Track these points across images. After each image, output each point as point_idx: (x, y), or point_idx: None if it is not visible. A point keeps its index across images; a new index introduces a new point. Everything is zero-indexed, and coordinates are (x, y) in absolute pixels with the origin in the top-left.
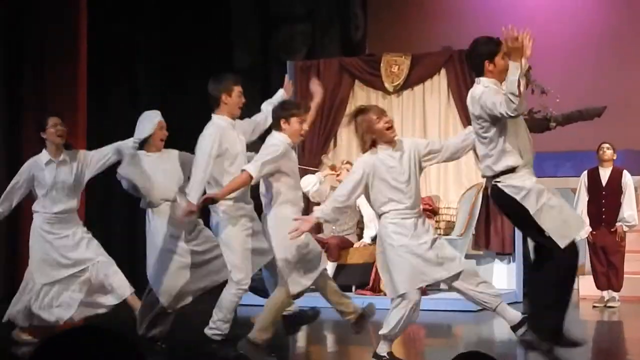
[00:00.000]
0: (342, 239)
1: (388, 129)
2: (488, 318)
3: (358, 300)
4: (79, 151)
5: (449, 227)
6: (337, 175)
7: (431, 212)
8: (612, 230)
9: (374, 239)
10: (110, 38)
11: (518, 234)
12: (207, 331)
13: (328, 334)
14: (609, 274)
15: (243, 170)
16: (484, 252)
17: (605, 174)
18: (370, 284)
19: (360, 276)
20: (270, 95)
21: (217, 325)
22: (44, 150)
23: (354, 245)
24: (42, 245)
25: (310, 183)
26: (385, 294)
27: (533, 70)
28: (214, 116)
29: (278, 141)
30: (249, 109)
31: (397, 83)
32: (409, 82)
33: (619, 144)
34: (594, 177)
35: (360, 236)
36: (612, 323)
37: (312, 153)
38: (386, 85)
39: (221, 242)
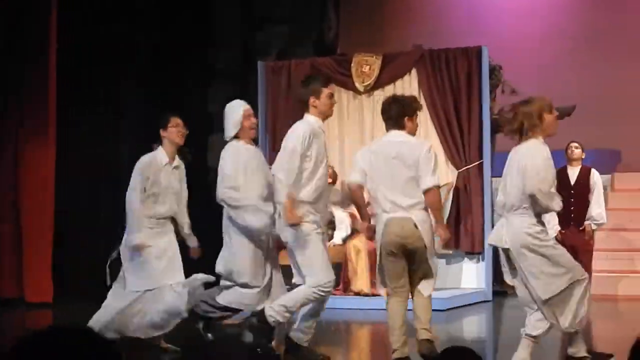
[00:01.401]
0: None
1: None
2: (457, 317)
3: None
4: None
5: None
6: None
7: None
8: (581, 229)
9: (344, 240)
10: (84, 40)
11: (487, 233)
12: (266, 310)
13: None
14: None
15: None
16: (454, 251)
17: (573, 173)
18: (341, 284)
19: None
20: (247, 96)
21: (278, 310)
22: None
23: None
24: None
25: None
26: (355, 294)
27: (504, 70)
28: (305, 115)
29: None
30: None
31: (368, 83)
32: (380, 82)
33: (587, 143)
34: (562, 176)
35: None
36: None
37: None
38: (357, 85)
39: (296, 246)
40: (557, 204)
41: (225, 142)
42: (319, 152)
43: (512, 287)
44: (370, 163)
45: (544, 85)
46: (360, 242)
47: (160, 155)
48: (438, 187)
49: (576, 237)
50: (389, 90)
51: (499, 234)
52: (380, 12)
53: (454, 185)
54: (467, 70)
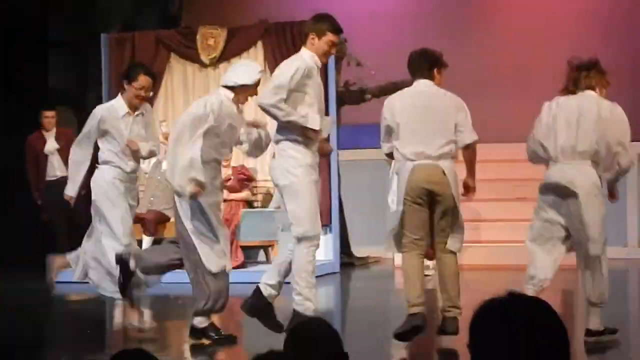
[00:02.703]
0: (159, 214)
1: None
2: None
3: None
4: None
5: (267, 200)
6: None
7: (247, 180)
8: None
9: None
10: None
11: (335, 206)
12: (296, 307)
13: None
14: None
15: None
16: None
17: None
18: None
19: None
20: (86, 68)
21: (304, 295)
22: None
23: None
24: None
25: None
26: None
27: (350, 42)
28: (302, 49)
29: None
30: (64, 81)
31: (214, 56)
32: (226, 55)
33: None
34: None
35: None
36: (427, 291)
37: None
38: (202, 58)
39: (286, 191)
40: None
41: None
42: (314, 88)
43: (360, 259)
44: (396, 111)
45: (388, 60)
46: None
47: (118, 104)
48: (476, 142)
49: None
50: (234, 63)
51: (566, 175)
52: None
53: None
54: None
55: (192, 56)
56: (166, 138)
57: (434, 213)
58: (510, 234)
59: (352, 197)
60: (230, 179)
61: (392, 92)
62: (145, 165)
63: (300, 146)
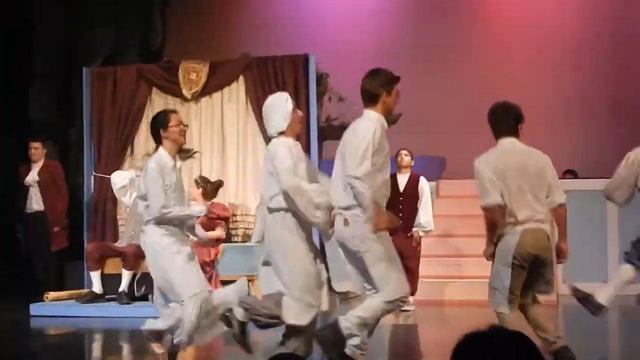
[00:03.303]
0: (138, 248)
1: None
2: None
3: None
4: None
5: (247, 235)
6: None
7: (218, 218)
8: (409, 235)
9: None
10: None
11: (316, 241)
12: (341, 322)
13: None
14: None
15: None
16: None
17: (403, 179)
18: None
19: None
20: (71, 101)
21: (354, 322)
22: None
23: None
24: None
25: (124, 178)
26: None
27: (332, 78)
28: (369, 111)
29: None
30: (47, 114)
31: (195, 90)
32: (208, 89)
33: (416, 150)
34: (392, 183)
35: None
36: (408, 326)
37: (108, 158)
38: (184, 92)
39: (367, 256)
40: None
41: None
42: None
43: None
44: (497, 172)
45: None
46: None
47: (165, 158)
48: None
49: (404, 244)
50: (216, 97)
51: None
52: (207, 20)
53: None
54: (295, 77)
55: (173, 90)
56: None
57: (530, 271)
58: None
59: None
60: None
61: None
62: (127, 199)
63: None
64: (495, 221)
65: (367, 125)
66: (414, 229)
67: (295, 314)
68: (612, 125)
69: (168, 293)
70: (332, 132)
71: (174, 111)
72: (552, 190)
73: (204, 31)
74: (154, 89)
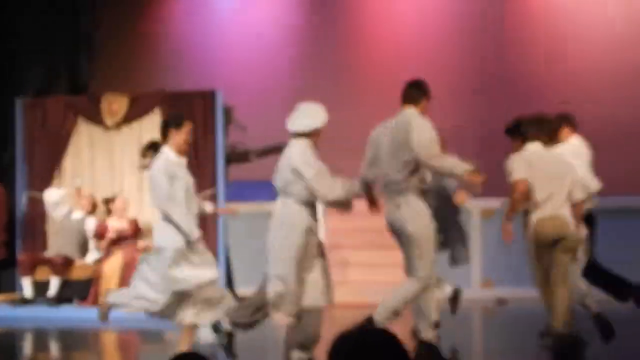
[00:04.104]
0: (66, 257)
1: None
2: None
3: (79, 312)
4: None
5: None
6: (80, 199)
7: (133, 235)
8: None
9: (98, 260)
10: None
11: (221, 249)
12: (376, 316)
13: None
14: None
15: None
16: None
17: None
18: (91, 297)
19: (82, 290)
20: (5, 129)
21: (387, 316)
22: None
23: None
24: None
25: (56, 195)
26: None
27: (236, 110)
28: (414, 111)
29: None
30: None
31: (116, 120)
32: (127, 119)
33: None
34: None
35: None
36: None
37: (39, 179)
38: (106, 121)
39: (414, 237)
40: None
41: None
42: None
43: (243, 298)
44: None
45: (271, 123)
46: (116, 261)
47: (172, 155)
48: None
49: None
50: (135, 126)
51: None
52: (127, 58)
53: None
54: (204, 110)
55: (97, 119)
56: (79, 192)
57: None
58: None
59: (236, 242)
60: (125, 228)
61: (272, 153)
62: (57, 214)
63: (421, 198)
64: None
65: (423, 121)
66: None
67: None
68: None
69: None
70: (236, 157)
71: (189, 120)
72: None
73: (125, 68)
74: (80, 118)
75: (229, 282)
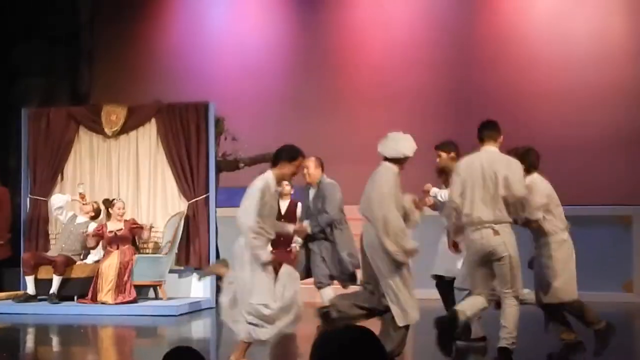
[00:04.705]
0: (67, 257)
1: None
2: (187, 321)
3: (79, 308)
4: None
5: (157, 247)
6: (84, 204)
7: (139, 228)
8: (288, 250)
9: (97, 260)
10: None
11: (212, 252)
12: (502, 343)
13: None
14: None
15: None
16: (185, 267)
17: (284, 205)
18: (90, 294)
19: (82, 287)
20: (8, 136)
21: (509, 337)
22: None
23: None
24: None
25: (61, 200)
26: (103, 302)
27: (227, 121)
28: (493, 147)
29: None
30: None
31: (115, 129)
32: (125, 128)
33: (295, 180)
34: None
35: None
36: None
37: (42, 184)
38: (106, 130)
39: (513, 261)
40: None
41: None
42: None
43: None
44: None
45: (260, 134)
46: (113, 260)
47: (272, 181)
48: None
49: (283, 257)
50: (132, 135)
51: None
52: (126, 70)
53: (184, 213)
54: (197, 121)
55: (97, 129)
56: (82, 198)
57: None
58: None
59: (227, 246)
60: (121, 229)
61: (262, 162)
62: (63, 217)
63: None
64: None
65: (510, 158)
66: (292, 245)
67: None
68: None
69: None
70: (227, 165)
71: (302, 158)
72: None
73: (124, 80)
74: (81, 127)
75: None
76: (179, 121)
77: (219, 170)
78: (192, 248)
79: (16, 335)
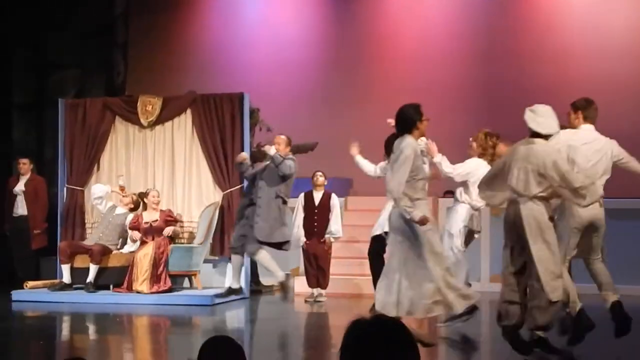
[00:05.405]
0: (104, 246)
1: None
2: (222, 311)
3: (114, 297)
4: None
5: (192, 237)
6: (123, 196)
7: (174, 221)
8: (322, 240)
9: (133, 250)
10: None
11: None
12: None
13: None
14: (318, 275)
15: None
16: (219, 257)
17: (318, 196)
18: (125, 283)
19: (117, 277)
20: (44, 127)
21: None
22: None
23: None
24: None
25: (102, 190)
26: (138, 292)
27: (262, 111)
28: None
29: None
30: (25, 141)
31: (151, 119)
32: (161, 119)
33: (328, 172)
34: (309, 198)
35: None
36: (320, 314)
37: (78, 174)
38: (142, 121)
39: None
40: None
41: None
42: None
43: (267, 287)
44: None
45: (294, 126)
46: (148, 250)
47: (415, 144)
48: None
49: (317, 247)
50: (168, 126)
51: None
52: (161, 61)
53: (219, 204)
54: (232, 111)
55: (133, 119)
56: (122, 190)
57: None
58: None
59: None
60: (157, 220)
61: (297, 153)
62: (102, 207)
63: None
64: None
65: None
66: (326, 236)
67: None
68: None
69: None
70: (261, 156)
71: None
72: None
73: (159, 71)
74: (117, 118)
75: (253, 273)
76: (214, 112)
77: (254, 160)
78: (227, 238)
79: (52, 323)
